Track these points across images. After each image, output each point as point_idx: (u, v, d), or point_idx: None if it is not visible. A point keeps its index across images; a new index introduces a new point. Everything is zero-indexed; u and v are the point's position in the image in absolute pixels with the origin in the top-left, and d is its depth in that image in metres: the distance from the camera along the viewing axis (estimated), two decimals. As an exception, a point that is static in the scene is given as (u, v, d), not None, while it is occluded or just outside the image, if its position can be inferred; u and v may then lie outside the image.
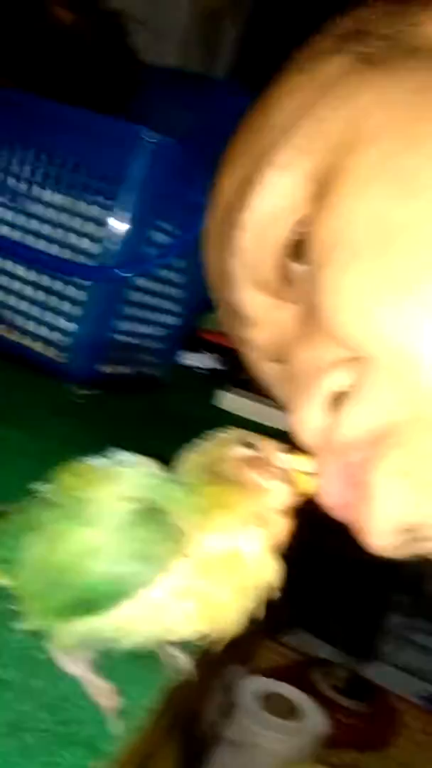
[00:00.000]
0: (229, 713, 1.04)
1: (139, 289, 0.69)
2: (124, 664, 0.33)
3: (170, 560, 0.29)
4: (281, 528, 0.31)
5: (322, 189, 0.32)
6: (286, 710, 1.15)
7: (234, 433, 0.34)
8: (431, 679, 1.76)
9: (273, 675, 1.22)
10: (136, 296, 0.69)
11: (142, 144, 0.61)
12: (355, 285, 0.29)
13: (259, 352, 0.40)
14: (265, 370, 0.40)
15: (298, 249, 0.33)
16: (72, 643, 0.31)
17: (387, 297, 0.28)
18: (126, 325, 0.69)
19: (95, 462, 0.33)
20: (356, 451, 0.30)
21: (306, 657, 1.52)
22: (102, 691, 0.31)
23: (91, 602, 0.30)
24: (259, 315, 0.38)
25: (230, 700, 1.00)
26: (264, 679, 1.19)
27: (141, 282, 0.69)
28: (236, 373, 0.86)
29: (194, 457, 0.33)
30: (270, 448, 0.33)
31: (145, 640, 0.31)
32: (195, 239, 0.67)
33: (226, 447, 0.33)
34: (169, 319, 0.77)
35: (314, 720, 1.13)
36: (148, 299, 0.71)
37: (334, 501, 0.32)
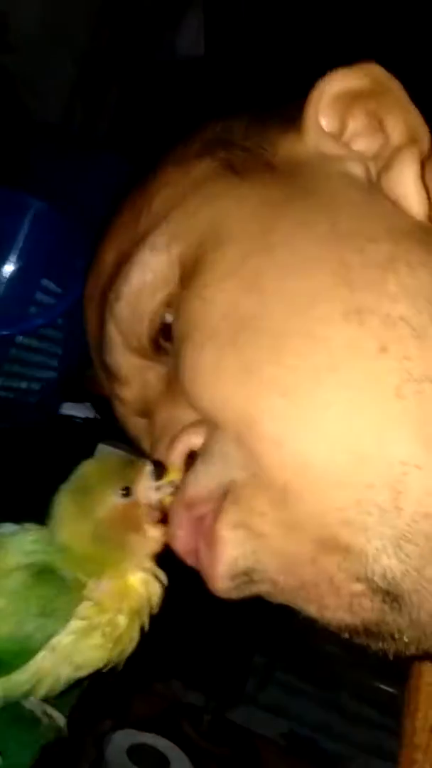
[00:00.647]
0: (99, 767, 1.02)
1: (19, 346, 0.70)
2: (1, 726, 0.34)
3: (71, 608, 0.32)
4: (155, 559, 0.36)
5: (188, 273, 0.36)
6: (153, 761, 1.15)
7: (107, 464, 0.37)
8: (292, 718, 1.80)
9: (143, 725, 1.22)
10: (17, 353, 0.70)
11: (27, 212, 0.64)
12: (209, 363, 0.34)
13: (128, 407, 0.43)
14: (133, 424, 0.44)
15: (164, 328, 0.38)
16: None
17: (234, 375, 0.33)
18: (6, 382, 0.70)
19: None
20: (203, 505, 0.34)
21: (175, 704, 1.53)
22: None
23: (3, 663, 0.31)
24: (130, 375, 0.42)
25: (100, 754, 0.99)
26: (132, 731, 1.18)
27: (21, 339, 0.70)
28: (110, 421, 0.89)
29: (70, 509, 0.35)
30: (142, 485, 0.36)
31: (61, 683, 0.33)
32: (76, 299, 0.70)
33: (102, 495, 0.35)
34: (49, 374, 0.79)
35: (181, 768, 1.14)
36: (28, 356, 0.73)
37: (183, 548, 0.35)
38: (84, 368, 0.95)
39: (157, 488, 0.36)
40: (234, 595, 0.35)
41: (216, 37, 1.72)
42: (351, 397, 0.31)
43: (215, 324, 0.34)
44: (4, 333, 0.65)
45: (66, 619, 0.32)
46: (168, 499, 0.36)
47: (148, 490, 0.36)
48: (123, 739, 1.13)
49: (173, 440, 0.37)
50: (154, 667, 1.50)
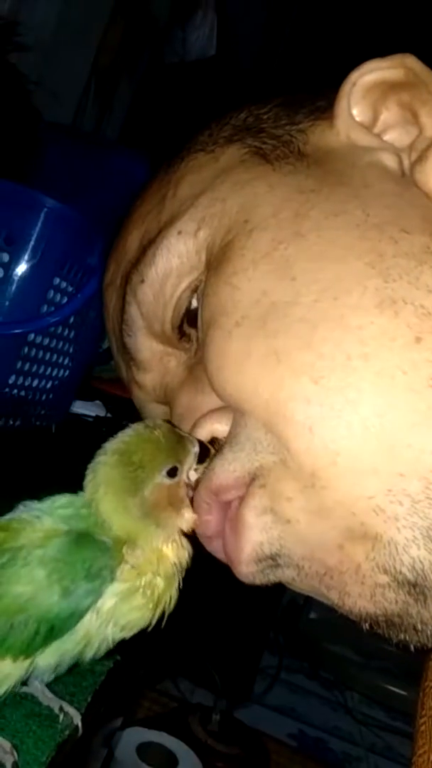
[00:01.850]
0: (108, 766, 1.02)
1: (32, 344, 0.70)
2: (18, 722, 0.34)
3: (114, 568, 0.33)
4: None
5: (215, 259, 0.36)
6: (162, 759, 1.15)
7: (156, 438, 0.35)
8: (301, 718, 1.80)
9: (151, 724, 1.22)
10: (30, 352, 0.71)
11: (40, 210, 0.64)
12: (237, 349, 0.34)
13: (146, 393, 0.44)
14: (150, 410, 0.44)
15: (189, 314, 0.38)
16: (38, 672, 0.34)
17: (263, 361, 0.33)
18: (19, 380, 0.70)
19: (11, 515, 0.35)
20: (231, 491, 0.34)
21: (184, 703, 1.53)
22: (1, 747, 0.32)
23: (54, 629, 0.32)
24: (150, 360, 0.42)
25: (109, 752, 1.00)
26: (141, 729, 1.18)
27: (33, 337, 0.70)
28: (120, 419, 0.89)
29: (116, 482, 0.34)
30: (188, 466, 0.36)
31: (108, 644, 0.34)
32: (89, 298, 0.70)
33: (152, 473, 0.35)
34: (61, 372, 0.79)
35: (189, 767, 1.14)
36: (41, 354, 0.73)
37: (208, 532, 0.36)
38: (95, 367, 0.96)
39: (196, 470, 0.36)
40: (258, 580, 0.35)
41: (228, 37, 1.72)
42: (384, 386, 0.31)
43: (244, 310, 0.34)
44: (17, 331, 0.65)
45: (111, 579, 0.32)
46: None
47: (192, 471, 0.36)
48: (133, 737, 1.13)
49: (194, 427, 0.37)
50: (163, 666, 1.51)
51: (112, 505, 0.34)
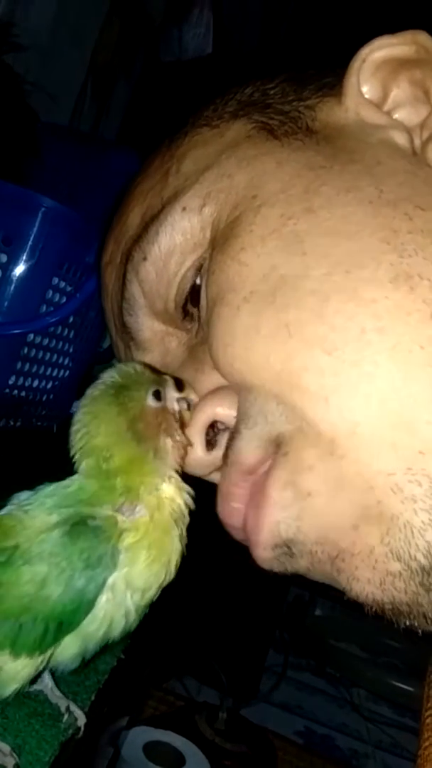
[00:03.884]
0: (114, 765, 1.02)
1: (32, 345, 0.70)
2: (21, 721, 0.34)
3: (114, 551, 0.32)
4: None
5: (220, 236, 0.36)
6: (169, 758, 1.15)
7: (139, 373, 0.36)
8: (307, 715, 1.80)
9: (158, 723, 1.22)
10: (29, 352, 0.71)
11: (38, 210, 0.64)
12: (245, 324, 0.33)
13: None
14: None
15: (193, 293, 0.38)
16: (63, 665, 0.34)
17: (273, 334, 0.32)
18: (19, 380, 0.70)
19: (3, 512, 0.34)
20: (260, 465, 0.34)
21: (190, 702, 1.53)
22: (0, 751, 0.32)
23: (63, 624, 0.31)
24: (151, 340, 0.41)
25: (116, 751, 1.00)
26: (148, 728, 1.18)
27: (32, 338, 0.70)
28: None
29: (105, 410, 0.35)
30: (170, 393, 0.36)
31: (135, 615, 0.34)
32: (88, 297, 0.70)
33: (138, 395, 0.35)
34: (61, 373, 0.79)
35: (196, 765, 1.14)
36: (40, 354, 0.73)
37: (234, 503, 0.35)
38: (95, 366, 0.96)
39: (178, 400, 0.36)
40: (275, 566, 0.34)
41: (225, 35, 1.72)
42: (400, 361, 0.30)
43: (253, 286, 0.33)
44: (16, 331, 0.65)
45: (113, 563, 0.32)
46: (186, 414, 0.37)
47: (174, 398, 0.36)
48: (139, 736, 1.13)
49: (194, 409, 0.36)
50: (169, 665, 1.51)
51: (107, 432, 0.34)
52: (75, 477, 0.35)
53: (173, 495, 0.35)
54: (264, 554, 0.34)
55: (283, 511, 0.32)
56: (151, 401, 0.35)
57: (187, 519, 0.36)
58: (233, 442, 0.34)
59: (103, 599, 0.32)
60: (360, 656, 1.96)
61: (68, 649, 0.33)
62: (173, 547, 0.34)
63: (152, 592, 0.34)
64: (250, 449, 0.34)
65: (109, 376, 0.36)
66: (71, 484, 0.35)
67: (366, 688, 1.94)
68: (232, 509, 0.35)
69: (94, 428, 0.34)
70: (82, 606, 0.32)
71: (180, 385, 0.37)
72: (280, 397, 0.32)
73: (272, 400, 0.32)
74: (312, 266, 0.32)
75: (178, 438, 0.36)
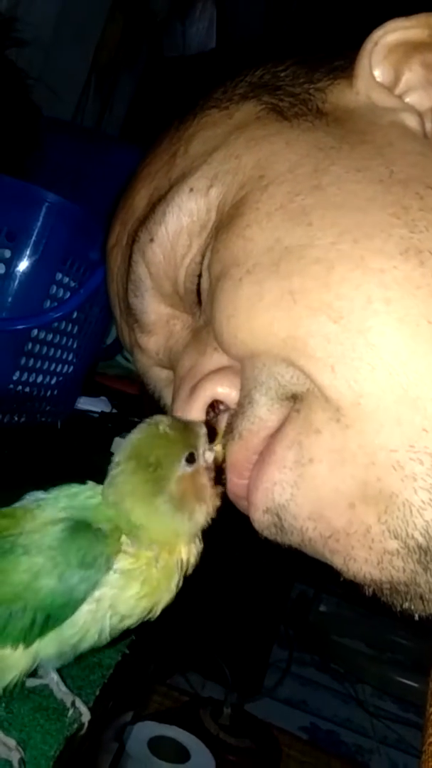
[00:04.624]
0: (119, 759, 1.03)
1: (35, 340, 0.70)
2: (25, 716, 0.34)
3: (110, 557, 0.32)
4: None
5: (227, 216, 0.36)
6: (174, 753, 1.15)
7: (166, 432, 0.34)
8: (312, 711, 1.80)
9: (163, 718, 1.22)
10: (33, 348, 0.71)
11: (42, 206, 0.64)
12: (249, 294, 0.33)
13: (150, 358, 0.43)
14: (153, 375, 0.44)
15: (202, 276, 0.37)
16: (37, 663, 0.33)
17: (277, 302, 0.32)
18: (23, 376, 0.70)
19: (16, 504, 0.35)
20: (274, 427, 0.33)
21: (195, 697, 1.53)
22: (6, 745, 0.32)
23: (50, 618, 0.32)
24: (156, 322, 0.41)
25: (121, 746, 1.00)
26: (153, 723, 1.19)
27: (36, 333, 0.70)
28: (126, 415, 0.89)
29: (138, 486, 0.34)
30: (202, 449, 0.35)
31: (107, 634, 0.34)
32: (91, 293, 0.70)
33: (172, 468, 0.34)
34: (65, 368, 0.79)
35: (201, 760, 1.15)
36: (44, 350, 0.73)
37: (238, 471, 0.35)
38: (100, 362, 0.96)
39: (210, 450, 0.35)
40: (270, 534, 0.34)
41: (228, 30, 1.71)
42: (407, 334, 0.30)
43: (256, 258, 0.33)
44: (20, 327, 0.65)
45: (107, 568, 0.32)
46: (219, 457, 0.35)
47: (207, 453, 0.35)
48: (144, 731, 1.13)
49: (195, 389, 0.36)
50: (174, 661, 1.51)
51: (143, 512, 0.34)
52: (98, 492, 0.35)
53: (188, 552, 0.35)
54: (257, 516, 0.33)
55: (281, 472, 0.32)
56: (185, 467, 0.34)
57: (189, 571, 0.35)
58: (249, 408, 0.34)
59: (85, 609, 0.32)
60: (364, 652, 1.97)
61: (44, 649, 0.33)
62: (167, 592, 0.34)
63: (131, 621, 0.34)
64: (270, 411, 0.33)
65: (137, 442, 0.35)
66: (94, 495, 0.35)
67: (371, 684, 1.94)
68: (237, 484, 0.35)
69: (129, 506, 0.34)
70: (71, 602, 0.32)
71: (212, 432, 0.36)
72: (288, 360, 0.32)
73: (281, 362, 0.32)
74: (318, 236, 0.32)
75: (211, 499, 0.35)
